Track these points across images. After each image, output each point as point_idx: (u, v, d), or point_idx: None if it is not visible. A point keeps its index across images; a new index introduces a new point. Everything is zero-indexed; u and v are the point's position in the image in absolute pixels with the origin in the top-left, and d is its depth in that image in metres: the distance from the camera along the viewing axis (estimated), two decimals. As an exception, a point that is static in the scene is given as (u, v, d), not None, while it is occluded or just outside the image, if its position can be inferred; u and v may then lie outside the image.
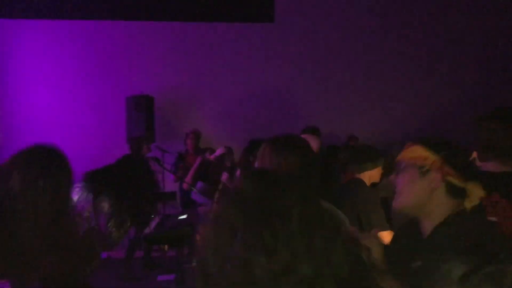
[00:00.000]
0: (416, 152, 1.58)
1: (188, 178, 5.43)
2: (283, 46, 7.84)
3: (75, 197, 2.80)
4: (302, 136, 2.60)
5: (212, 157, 5.49)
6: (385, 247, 1.60)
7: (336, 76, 7.95)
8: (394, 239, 1.82)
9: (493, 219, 1.91)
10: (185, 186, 5.65)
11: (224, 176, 4.75)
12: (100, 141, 6.94)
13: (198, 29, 7.76)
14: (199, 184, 5.42)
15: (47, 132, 7.15)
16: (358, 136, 7.19)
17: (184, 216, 4.52)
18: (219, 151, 5.43)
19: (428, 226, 1.59)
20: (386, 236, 2.34)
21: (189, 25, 7.72)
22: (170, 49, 7.68)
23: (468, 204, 1.55)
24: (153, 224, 4.44)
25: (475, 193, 1.54)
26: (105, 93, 7.36)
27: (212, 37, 7.77)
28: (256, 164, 2.10)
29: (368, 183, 3.01)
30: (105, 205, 2.79)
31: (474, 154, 2.24)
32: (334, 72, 7.96)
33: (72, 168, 2.00)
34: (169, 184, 6.50)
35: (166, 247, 6.22)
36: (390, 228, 2.79)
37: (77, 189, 2.88)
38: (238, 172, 4.73)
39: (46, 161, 1.86)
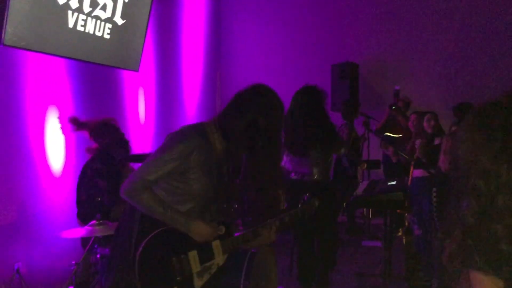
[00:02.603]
0: None
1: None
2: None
3: None
4: None
5: None
6: None
7: None
8: None
9: None
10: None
11: (417, 142, 4.43)
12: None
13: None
14: None
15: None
16: None
17: (394, 182, 4.37)
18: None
19: None
20: None
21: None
22: (375, 15, 7.45)
23: None
24: (362, 186, 4.43)
25: None
26: (311, 61, 7.58)
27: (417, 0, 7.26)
28: None
29: None
30: None
31: None
32: None
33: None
34: (374, 151, 6.40)
35: (369, 213, 6.20)
36: None
37: None
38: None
39: None
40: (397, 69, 7.28)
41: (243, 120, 1.89)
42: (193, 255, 1.90)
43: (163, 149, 1.92)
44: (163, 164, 1.87)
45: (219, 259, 1.99)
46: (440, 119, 4.87)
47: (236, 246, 2.06)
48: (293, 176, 3.81)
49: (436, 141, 4.44)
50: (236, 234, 2.06)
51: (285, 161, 3.84)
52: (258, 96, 1.96)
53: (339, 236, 5.82)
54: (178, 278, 1.86)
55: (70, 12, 4.10)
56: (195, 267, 1.91)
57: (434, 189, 4.05)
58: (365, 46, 7.44)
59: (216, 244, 1.98)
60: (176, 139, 1.92)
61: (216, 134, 1.95)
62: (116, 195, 3.61)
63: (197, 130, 1.95)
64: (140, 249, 1.83)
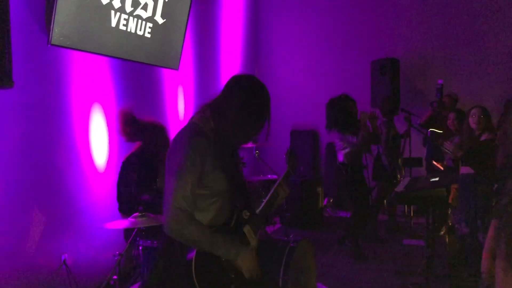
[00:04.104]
0: None
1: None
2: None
3: None
4: None
5: None
6: None
7: None
8: None
9: None
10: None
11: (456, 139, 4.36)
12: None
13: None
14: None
15: (295, 92, 7.74)
16: None
17: (436, 179, 4.25)
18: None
19: None
20: None
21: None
22: (417, 11, 7.27)
23: None
24: (403, 183, 4.33)
25: None
26: (351, 58, 7.49)
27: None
28: None
29: None
30: None
31: None
32: None
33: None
34: (416, 149, 6.25)
35: (411, 211, 6.04)
36: None
37: None
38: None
39: None
40: (440, 65, 7.08)
41: (237, 112, 1.87)
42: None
43: (174, 171, 1.83)
44: (185, 184, 1.80)
45: (254, 242, 2.02)
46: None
47: (263, 221, 2.11)
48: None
49: (483, 137, 4.26)
50: (257, 210, 2.12)
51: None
52: (242, 86, 1.93)
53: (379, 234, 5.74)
54: (232, 276, 1.90)
55: (113, 12, 4.21)
56: None
57: (495, 185, 3.88)
58: (406, 41, 7.28)
59: (247, 229, 2.01)
60: (179, 154, 1.85)
61: (209, 125, 1.92)
62: (144, 185, 3.73)
63: (191, 132, 1.90)
64: (193, 256, 1.82)
